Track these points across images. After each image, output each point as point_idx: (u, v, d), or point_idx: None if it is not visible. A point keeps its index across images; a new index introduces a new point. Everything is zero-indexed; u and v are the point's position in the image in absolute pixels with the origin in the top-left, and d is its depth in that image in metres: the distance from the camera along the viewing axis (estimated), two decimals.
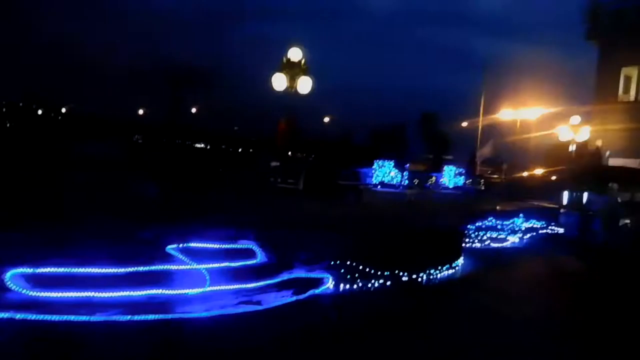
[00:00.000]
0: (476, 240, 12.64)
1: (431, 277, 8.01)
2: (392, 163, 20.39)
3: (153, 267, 5.55)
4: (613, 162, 21.89)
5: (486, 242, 12.84)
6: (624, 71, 24.64)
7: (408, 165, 22.07)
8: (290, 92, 13.79)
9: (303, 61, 13.71)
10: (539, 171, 26.83)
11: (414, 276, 7.66)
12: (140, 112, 65.59)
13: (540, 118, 37.47)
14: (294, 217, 7.83)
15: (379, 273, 7.16)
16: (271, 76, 13.54)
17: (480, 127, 41.64)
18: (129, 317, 4.94)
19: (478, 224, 12.85)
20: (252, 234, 6.42)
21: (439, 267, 8.31)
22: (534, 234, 15.64)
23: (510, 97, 39.13)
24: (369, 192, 14.81)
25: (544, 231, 16.21)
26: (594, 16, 25.09)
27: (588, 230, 14.46)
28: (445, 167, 23.93)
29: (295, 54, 13.62)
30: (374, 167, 21.05)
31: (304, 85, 13.65)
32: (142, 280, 5.37)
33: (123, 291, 5.24)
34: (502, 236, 13.53)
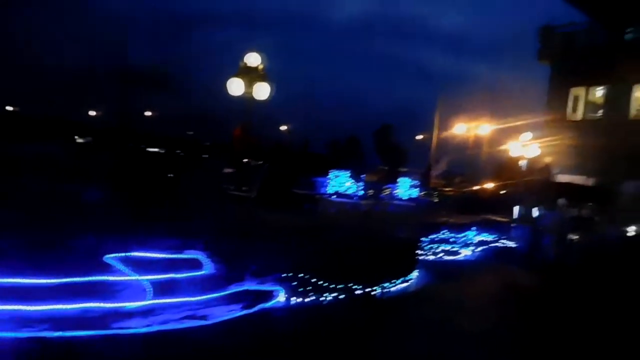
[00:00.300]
0: (430, 253, 12.64)
1: (385, 290, 7.83)
2: (347, 173, 20.23)
3: (89, 278, 5.11)
4: (561, 178, 22.54)
5: (440, 255, 12.85)
6: (573, 91, 25.51)
7: (364, 175, 21.94)
8: (248, 98, 13.44)
9: (261, 67, 13.40)
10: (490, 185, 27.37)
11: (368, 289, 7.45)
12: (92, 113, 63.50)
13: (493, 134, 38.57)
14: (245, 227, 7.50)
15: (332, 286, 6.92)
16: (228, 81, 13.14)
17: (435, 141, 42.33)
18: (58, 334, 4.50)
19: (432, 236, 12.84)
20: (200, 243, 6.06)
21: (394, 280, 8.15)
22: (486, 247, 15.83)
23: (465, 113, 39.98)
24: (324, 202, 14.59)
25: (496, 244, 16.44)
26: (545, 38, 25.95)
27: (538, 245, 14.72)
28: (400, 179, 23.97)
29: (253, 59, 13.31)
30: (329, 176, 20.79)
31: (262, 91, 13.33)
32: (76, 292, 4.92)
33: (54, 304, 4.78)
34: (456, 249, 13.58)
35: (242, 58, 13.31)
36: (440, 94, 40.11)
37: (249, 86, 13.22)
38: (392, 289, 8.04)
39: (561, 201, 15.49)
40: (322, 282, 6.80)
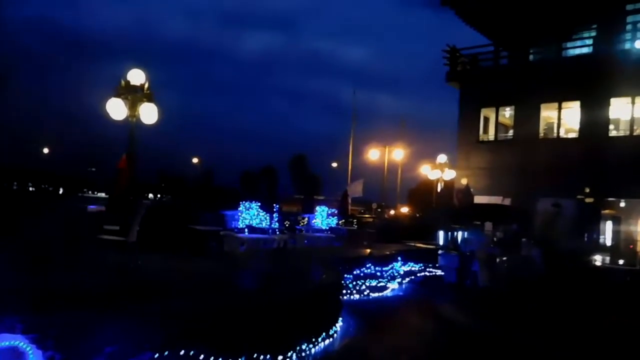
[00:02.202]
0: (354, 291, 11.08)
1: (303, 355, 6.05)
2: (258, 204, 18.35)
3: None
4: (478, 199, 22.10)
5: (365, 293, 11.33)
6: (483, 112, 25.57)
7: (277, 206, 20.07)
8: (132, 123, 11.33)
9: (146, 85, 11.38)
10: (408, 210, 26.64)
11: (280, 358, 5.64)
12: None
13: (407, 158, 38.48)
14: (111, 284, 5.51)
15: None
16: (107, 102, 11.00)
17: (350, 167, 41.64)
18: None
19: (356, 272, 11.32)
20: (21, 321, 4.02)
21: (314, 339, 6.41)
22: (413, 277, 14.58)
23: (379, 140, 39.90)
24: (230, 239, 12.60)
25: (423, 274, 15.26)
26: (452, 60, 25.94)
27: (465, 272, 13.67)
28: (318, 208, 22.39)
29: (136, 76, 11.28)
30: (240, 209, 18.76)
31: (148, 113, 11.28)
32: None
33: None
34: (382, 284, 12.13)
35: (123, 75, 11.28)
36: (352, 123, 39.74)
37: (132, 108, 11.19)
38: (312, 350, 6.28)
39: (486, 224, 14.62)
40: (214, 357, 4.91)
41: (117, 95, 11.08)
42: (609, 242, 21.93)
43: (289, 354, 5.76)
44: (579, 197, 20.87)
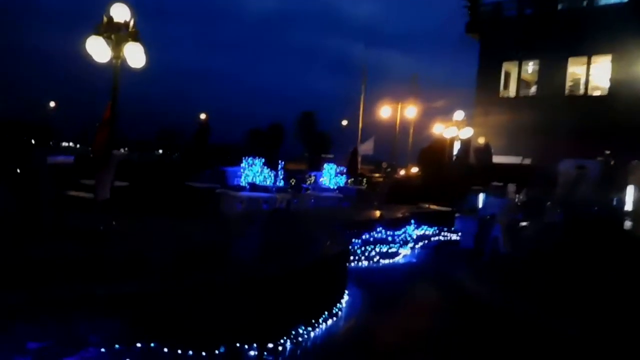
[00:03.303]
0: (363, 258, 10.01)
1: (300, 340, 4.98)
2: (262, 160, 17.14)
3: None
4: (496, 160, 20.80)
5: (375, 259, 10.25)
6: (504, 67, 23.89)
7: (283, 163, 18.86)
8: (116, 65, 10.05)
9: (131, 23, 10.01)
10: (422, 170, 25.38)
11: (270, 345, 4.56)
12: None
13: (421, 116, 36.95)
14: (48, 258, 4.38)
15: (203, 353, 3.98)
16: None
17: (360, 125, 40.18)
18: None
19: (365, 236, 10.21)
20: None
21: (313, 320, 5.33)
22: (427, 242, 13.50)
23: (391, 97, 38.35)
24: (229, 198, 11.49)
25: (438, 238, 14.17)
26: (473, 9, 24.08)
27: (484, 237, 12.50)
28: (325, 166, 21.17)
29: (119, 12, 9.91)
30: (242, 165, 17.58)
31: (134, 55, 9.96)
32: None
33: None
34: (393, 249, 11.04)
35: (105, 11, 9.94)
36: (363, 81, 38.06)
37: (116, 49, 9.90)
38: (312, 334, 5.21)
39: (509, 186, 13.36)
40: (182, 350, 3.84)
41: (98, 34, 9.80)
42: (629, 208, 20.68)
43: (281, 341, 4.68)
44: (600, 158, 19.54)
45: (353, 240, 9.57)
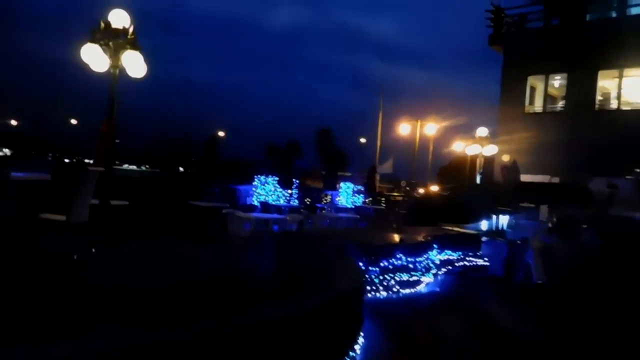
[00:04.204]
0: (381, 288, 8.99)
1: None
2: (276, 179, 16.31)
3: None
4: (523, 179, 19.68)
5: (395, 289, 9.22)
6: (530, 81, 22.82)
7: (297, 182, 18.00)
8: (114, 75, 9.37)
9: (131, 29, 9.35)
10: (442, 189, 24.27)
11: None
12: None
13: (441, 132, 35.88)
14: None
15: None
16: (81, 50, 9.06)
17: (379, 142, 39.38)
18: None
19: (383, 263, 9.20)
20: None
21: None
22: (451, 267, 12.39)
23: (409, 114, 37.60)
24: (235, 219, 10.60)
25: (462, 263, 13.05)
26: (496, 20, 23.16)
27: (516, 263, 11.42)
28: (342, 184, 20.24)
29: (118, 18, 9.25)
30: (254, 183, 16.77)
31: (134, 63, 9.29)
32: None
33: None
34: (415, 277, 10.00)
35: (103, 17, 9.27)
36: (382, 97, 37.31)
37: (114, 57, 9.20)
38: None
39: (542, 207, 12.28)
40: None
41: (94, 41, 9.12)
42: None
43: None
44: (628, 177, 18.33)
45: (370, 268, 8.59)
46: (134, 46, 9.30)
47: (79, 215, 5.58)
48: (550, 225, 12.33)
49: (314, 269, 5.51)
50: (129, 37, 9.21)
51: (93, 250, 5.50)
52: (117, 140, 9.91)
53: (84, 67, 9.28)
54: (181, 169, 60.18)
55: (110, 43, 9.26)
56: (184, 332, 3.44)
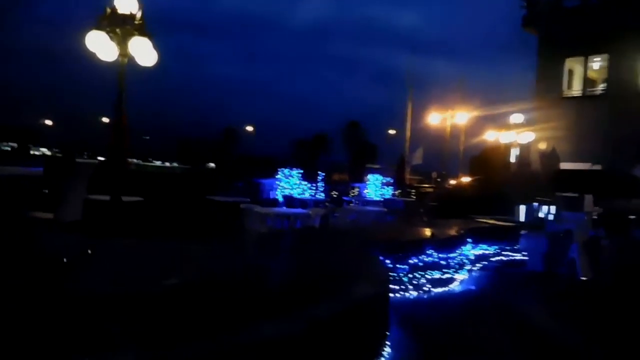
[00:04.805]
0: (411, 287, 8.28)
1: None
2: (300, 171, 15.70)
3: None
4: (562, 166, 18.57)
5: (425, 288, 8.50)
6: (567, 63, 21.54)
7: (323, 174, 17.32)
8: (122, 63, 8.85)
9: (138, 15, 8.79)
10: (476, 179, 23.22)
11: None
12: None
13: (473, 121, 34.64)
14: None
15: None
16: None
17: (408, 133, 38.36)
18: None
19: (412, 260, 8.48)
20: None
21: None
22: (486, 263, 11.57)
23: (438, 104, 36.53)
24: (253, 215, 10.00)
25: (498, 258, 12.20)
26: (530, 0, 21.93)
27: (558, 257, 10.52)
28: (370, 176, 19.50)
29: (125, 3, 8.71)
30: (278, 177, 16.20)
31: (142, 50, 8.75)
32: None
33: None
34: (447, 275, 9.25)
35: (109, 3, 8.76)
36: (411, 88, 36.30)
37: (121, 44, 8.69)
38: None
39: (586, 197, 11.31)
40: None
41: (100, 27, 8.62)
42: None
43: None
44: None
45: (398, 266, 7.89)
46: (143, 32, 8.74)
47: (69, 213, 5.07)
48: (596, 216, 11.37)
49: (332, 272, 4.85)
50: (136, 23, 8.66)
51: (89, 251, 4.96)
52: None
53: (92, 57, 8.79)
54: (212, 165, 60.19)
55: (118, 30, 8.71)
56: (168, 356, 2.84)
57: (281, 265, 4.75)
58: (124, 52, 8.73)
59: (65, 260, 4.47)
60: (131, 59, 8.91)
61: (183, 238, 7.06)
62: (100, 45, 8.54)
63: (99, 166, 6.14)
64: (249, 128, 64.86)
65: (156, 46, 8.87)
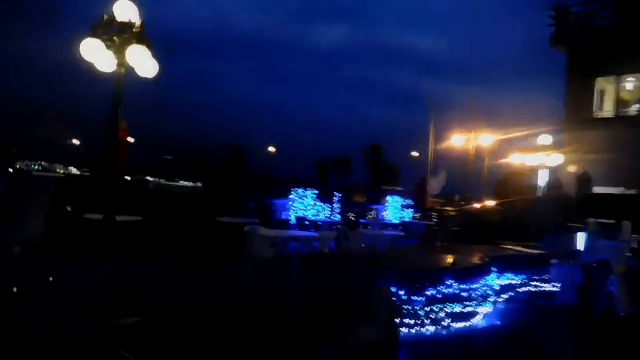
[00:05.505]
0: (428, 322, 7.41)
1: None
2: (315, 192, 14.99)
3: None
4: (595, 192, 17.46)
5: (444, 323, 7.61)
6: (599, 83, 20.51)
7: (340, 195, 16.57)
8: (120, 74, 8.33)
9: (138, 23, 8.28)
10: (493, 203, 22.14)
11: None
12: None
13: (498, 144, 33.59)
14: None
15: None
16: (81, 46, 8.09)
17: (431, 156, 37.39)
18: None
19: (430, 291, 7.62)
20: None
21: None
22: (512, 294, 10.59)
23: (463, 125, 35.65)
24: (256, 238, 9.24)
25: (526, 289, 11.21)
26: (559, 18, 21.08)
27: (594, 292, 9.49)
28: (389, 198, 18.64)
29: (124, 10, 8.21)
30: (292, 197, 15.50)
31: (140, 60, 8.21)
32: None
33: None
34: (470, 308, 8.34)
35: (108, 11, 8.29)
36: (432, 110, 35.57)
37: (119, 54, 8.18)
38: None
39: (624, 224, 10.30)
40: None
41: (95, 35, 8.13)
42: None
43: None
44: None
45: (413, 298, 7.05)
46: (142, 41, 8.21)
47: (25, 235, 4.41)
48: (635, 245, 10.35)
49: (333, 312, 4.06)
50: (134, 31, 8.14)
51: (51, 279, 4.29)
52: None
53: (89, 67, 8.29)
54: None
55: (115, 38, 8.20)
56: None
57: (268, 303, 3.99)
58: (122, 62, 8.23)
59: (14, 290, 3.80)
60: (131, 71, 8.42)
61: (170, 262, 6.38)
62: (96, 54, 8.06)
63: (64, 182, 5.54)
64: (272, 149, 64.64)
65: (156, 56, 8.36)
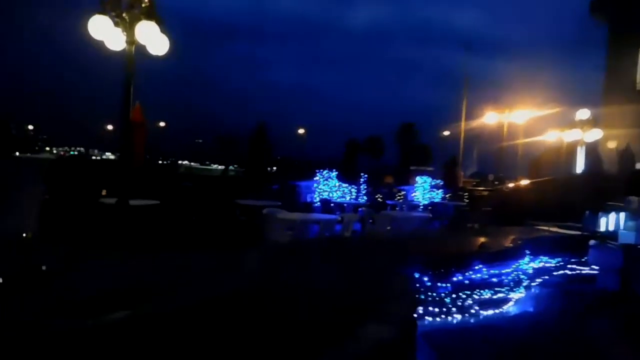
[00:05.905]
0: (454, 309, 6.97)
1: None
2: (335, 174, 14.57)
3: None
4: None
5: (472, 311, 7.16)
6: None
7: (366, 176, 16.11)
8: (129, 52, 8.03)
9: None
10: (527, 182, 21.25)
11: None
12: None
13: (533, 120, 32.33)
14: None
15: None
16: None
17: (462, 135, 36.43)
18: None
19: (457, 277, 7.16)
20: None
21: None
22: (547, 278, 10.01)
23: (495, 104, 34.47)
24: (273, 221, 8.88)
25: (561, 272, 10.59)
26: None
27: (637, 276, 8.84)
28: (418, 179, 18.04)
29: None
30: (316, 179, 15.14)
31: (151, 36, 7.89)
32: None
33: None
34: (501, 294, 7.84)
35: None
36: (466, 87, 34.54)
37: (129, 30, 7.87)
38: None
39: None
40: None
41: (103, 12, 7.84)
42: None
43: None
44: None
45: (438, 284, 6.61)
46: (151, 17, 7.88)
47: (29, 222, 4.07)
48: None
49: (344, 306, 3.66)
50: (143, 6, 7.80)
51: (43, 267, 4.03)
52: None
53: (99, 46, 8.01)
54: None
55: (124, 14, 7.89)
56: None
57: (266, 297, 3.62)
58: (131, 40, 7.93)
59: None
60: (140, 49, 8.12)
61: (182, 249, 6.10)
62: (105, 32, 7.77)
63: (52, 164, 5.29)
64: (301, 131, 64.21)
65: (166, 31, 8.02)
